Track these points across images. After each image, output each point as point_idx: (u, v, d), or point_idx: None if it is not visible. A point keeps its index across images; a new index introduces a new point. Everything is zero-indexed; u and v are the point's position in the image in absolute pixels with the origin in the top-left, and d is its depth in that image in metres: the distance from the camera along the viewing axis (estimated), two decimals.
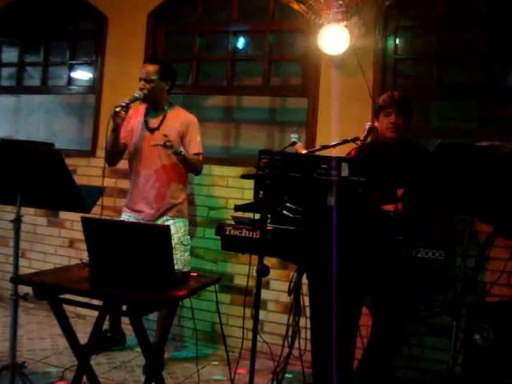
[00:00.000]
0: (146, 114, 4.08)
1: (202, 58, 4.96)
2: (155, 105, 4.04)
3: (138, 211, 4.02)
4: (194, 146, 3.98)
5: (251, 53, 4.95)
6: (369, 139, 3.38)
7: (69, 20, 5.39)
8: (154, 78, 3.93)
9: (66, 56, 5.41)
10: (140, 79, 3.95)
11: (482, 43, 4.00)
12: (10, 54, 5.77)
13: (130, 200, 4.10)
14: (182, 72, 4.45)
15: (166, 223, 3.87)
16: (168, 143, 3.69)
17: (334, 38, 4.02)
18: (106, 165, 4.10)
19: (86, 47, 5.33)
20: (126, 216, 4.07)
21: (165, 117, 4.01)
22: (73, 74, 5.45)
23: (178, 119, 4.01)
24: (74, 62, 5.42)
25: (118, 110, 3.75)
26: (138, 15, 4.91)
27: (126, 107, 3.79)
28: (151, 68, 3.97)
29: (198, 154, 3.99)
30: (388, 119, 3.43)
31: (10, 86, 5.84)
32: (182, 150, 3.82)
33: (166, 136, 3.71)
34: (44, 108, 5.89)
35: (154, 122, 4.02)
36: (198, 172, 4.09)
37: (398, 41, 4.25)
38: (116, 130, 3.88)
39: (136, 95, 3.87)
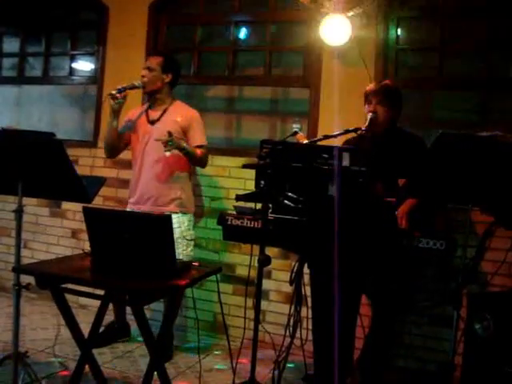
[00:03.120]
0: (148, 108, 4.10)
1: (203, 48, 4.95)
2: (155, 96, 4.04)
3: (141, 204, 4.03)
4: (198, 138, 3.99)
5: (253, 43, 4.93)
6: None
7: (70, 10, 5.38)
8: (155, 67, 3.96)
9: (68, 46, 5.41)
10: (143, 69, 3.99)
11: (484, 34, 3.98)
12: (12, 45, 5.77)
13: (132, 193, 4.11)
14: (183, 62, 4.44)
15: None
16: (170, 140, 3.67)
17: (335, 29, 4.01)
18: (105, 155, 4.13)
19: (88, 37, 5.33)
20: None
21: (166, 110, 4.03)
22: (74, 65, 5.45)
23: (179, 113, 4.02)
24: (75, 52, 5.42)
25: (113, 92, 3.81)
26: (139, 5, 4.90)
27: (123, 91, 3.84)
28: (154, 59, 4.01)
29: (201, 147, 4.00)
30: (369, 107, 3.44)
31: (11, 77, 5.85)
32: (185, 144, 3.83)
33: (169, 133, 3.70)
34: (46, 98, 5.88)
35: (154, 115, 4.04)
36: (203, 165, 4.11)
37: (399, 31, 4.24)
38: (113, 115, 3.91)
39: (135, 83, 3.92)
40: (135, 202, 4.07)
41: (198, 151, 3.95)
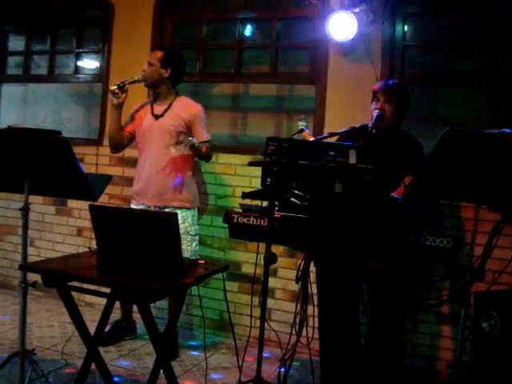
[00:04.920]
0: (152, 103, 4.13)
1: (209, 45, 4.94)
2: (157, 91, 4.09)
3: (145, 199, 4.04)
4: (204, 133, 4.01)
5: (259, 40, 4.92)
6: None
7: (75, 8, 5.38)
8: (154, 62, 4.02)
9: (73, 44, 5.41)
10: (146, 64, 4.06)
11: (491, 29, 3.96)
12: (17, 43, 5.77)
13: (136, 188, 4.13)
14: (189, 60, 4.43)
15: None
16: (193, 144, 3.78)
17: (342, 25, 3.99)
18: (110, 151, 4.14)
19: (93, 35, 5.33)
20: (134, 206, 4.11)
21: (170, 105, 4.05)
22: (80, 63, 5.45)
23: (183, 108, 4.04)
24: (80, 50, 5.42)
25: (112, 88, 3.91)
26: (144, 3, 4.90)
27: (122, 86, 3.92)
28: (155, 54, 4.08)
29: (207, 142, 4.01)
30: (376, 105, 3.43)
31: (17, 75, 5.86)
32: (197, 144, 3.84)
33: (182, 135, 3.84)
34: (51, 97, 5.89)
35: (159, 110, 4.06)
36: (209, 159, 4.15)
37: (406, 28, 4.21)
38: (115, 111, 3.99)
39: (135, 77, 3.98)
40: (138, 194, 4.09)
41: (204, 147, 3.96)
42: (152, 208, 3.98)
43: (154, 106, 4.09)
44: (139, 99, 4.28)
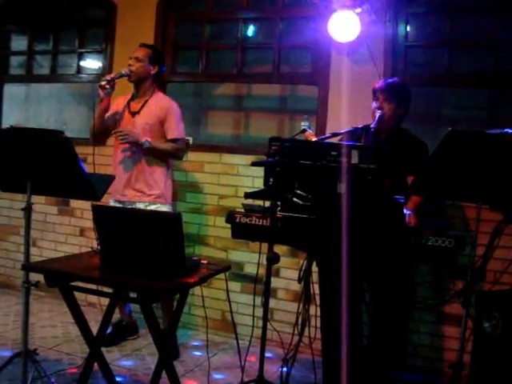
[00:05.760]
0: (131, 99, 4.15)
1: (211, 45, 4.94)
2: (139, 87, 4.10)
3: (121, 194, 4.06)
4: (172, 131, 4.05)
5: (261, 40, 4.92)
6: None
7: (78, 8, 5.39)
8: (143, 58, 4.05)
9: (75, 44, 5.41)
10: (130, 58, 4.08)
11: (494, 30, 3.96)
12: (20, 43, 5.78)
13: (112, 185, 4.10)
14: (191, 60, 4.44)
15: (149, 208, 3.94)
16: (123, 134, 3.89)
17: (344, 26, 3.99)
18: (92, 142, 4.13)
19: (95, 35, 5.33)
20: (112, 202, 4.12)
21: (146, 102, 4.08)
22: (82, 63, 5.45)
23: (158, 105, 4.07)
24: (83, 50, 5.41)
25: (103, 83, 3.91)
26: (147, 3, 4.90)
27: (112, 81, 3.93)
28: (143, 50, 4.11)
29: (176, 140, 4.05)
30: (376, 104, 3.43)
31: (19, 75, 5.86)
32: (146, 142, 3.90)
33: (123, 132, 3.90)
34: (54, 97, 5.90)
35: (135, 106, 4.09)
36: (178, 158, 4.22)
37: (408, 28, 4.21)
38: (100, 102, 3.98)
39: (122, 71, 4.01)
40: (114, 192, 4.08)
41: (168, 145, 4.02)
42: (127, 204, 4.00)
43: (131, 103, 4.12)
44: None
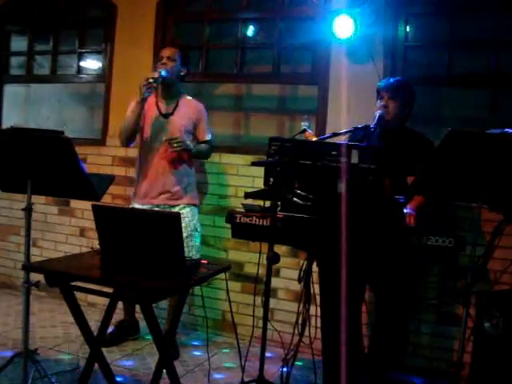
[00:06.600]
0: (157, 101, 4.04)
1: (211, 45, 4.94)
2: (169, 88, 4.00)
3: (152, 198, 3.99)
4: (205, 133, 4.07)
5: (261, 40, 4.92)
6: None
7: (77, 8, 5.38)
8: (176, 58, 3.97)
9: (76, 45, 5.41)
10: (162, 57, 3.96)
11: (493, 30, 3.96)
12: (20, 43, 5.77)
13: (140, 188, 4.04)
14: (191, 60, 4.43)
15: (183, 210, 3.92)
16: (179, 141, 3.82)
17: (344, 26, 3.99)
18: (120, 144, 4.06)
19: (95, 36, 5.33)
20: (139, 206, 4.01)
21: (177, 104, 4.03)
22: (82, 63, 5.45)
23: (190, 107, 4.05)
24: (83, 50, 5.41)
25: (151, 80, 3.74)
26: (147, 3, 4.90)
27: (158, 80, 3.78)
28: (174, 50, 4.02)
29: (208, 141, 4.08)
30: (380, 102, 3.42)
31: (19, 75, 5.86)
32: (192, 145, 3.91)
33: (176, 139, 3.83)
34: (54, 97, 5.90)
35: (167, 108, 4.02)
36: (207, 158, 4.27)
37: (408, 28, 4.21)
38: (143, 102, 3.82)
39: (162, 72, 3.82)
40: (143, 196, 4.01)
41: (205, 147, 4.07)
42: (161, 207, 3.96)
43: (160, 104, 4.02)
44: None
